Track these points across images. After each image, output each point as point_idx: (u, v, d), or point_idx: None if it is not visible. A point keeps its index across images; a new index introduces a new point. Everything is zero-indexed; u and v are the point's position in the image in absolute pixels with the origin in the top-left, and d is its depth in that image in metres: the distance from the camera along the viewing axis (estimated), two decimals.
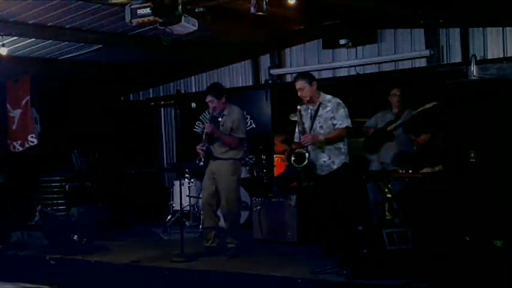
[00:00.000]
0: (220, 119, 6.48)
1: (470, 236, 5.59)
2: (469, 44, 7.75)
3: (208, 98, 6.44)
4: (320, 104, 5.97)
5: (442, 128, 7.15)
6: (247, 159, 8.46)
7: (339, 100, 6.00)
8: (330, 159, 5.90)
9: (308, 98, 5.98)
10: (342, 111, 5.91)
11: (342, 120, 5.89)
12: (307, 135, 5.86)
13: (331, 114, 5.92)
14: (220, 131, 6.42)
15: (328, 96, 6.03)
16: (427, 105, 6.72)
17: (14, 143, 9.24)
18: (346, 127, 5.91)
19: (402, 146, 6.97)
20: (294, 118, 6.60)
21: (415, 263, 5.18)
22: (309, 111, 6.04)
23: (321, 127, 5.94)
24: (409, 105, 7.07)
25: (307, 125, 6.01)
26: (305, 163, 5.81)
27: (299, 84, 5.97)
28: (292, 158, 5.92)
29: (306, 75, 6.09)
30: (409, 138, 6.95)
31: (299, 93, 5.98)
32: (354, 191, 6.21)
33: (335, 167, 5.88)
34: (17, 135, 9.26)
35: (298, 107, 6.03)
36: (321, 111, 5.95)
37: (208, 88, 6.68)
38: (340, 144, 5.93)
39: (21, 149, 9.22)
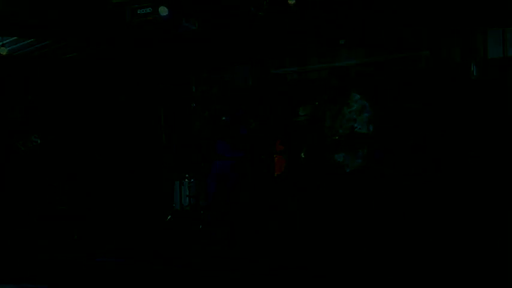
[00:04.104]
0: (224, 118, 6.52)
1: None
2: (469, 44, 7.75)
3: None
4: (346, 103, 5.67)
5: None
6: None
7: (365, 103, 5.63)
8: (343, 161, 5.59)
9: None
10: (366, 116, 5.56)
11: (362, 125, 5.53)
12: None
13: (354, 116, 5.59)
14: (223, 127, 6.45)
15: (357, 96, 5.70)
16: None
17: (18, 144, 9.25)
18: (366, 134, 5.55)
19: None
20: (302, 116, 6.47)
21: None
22: (333, 107, 5.78)
23: (340, 126, 5.65)
24: None
25: (328, 119, 5.75)
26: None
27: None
28: (302, 156, 5.78)
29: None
30: None
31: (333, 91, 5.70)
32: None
33: (348, 169, 5.56)
34: (20, 136, 9.25)
35: (316, 103, 5.77)
36: (344, 110, 5.66)
37: None
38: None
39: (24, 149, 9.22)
